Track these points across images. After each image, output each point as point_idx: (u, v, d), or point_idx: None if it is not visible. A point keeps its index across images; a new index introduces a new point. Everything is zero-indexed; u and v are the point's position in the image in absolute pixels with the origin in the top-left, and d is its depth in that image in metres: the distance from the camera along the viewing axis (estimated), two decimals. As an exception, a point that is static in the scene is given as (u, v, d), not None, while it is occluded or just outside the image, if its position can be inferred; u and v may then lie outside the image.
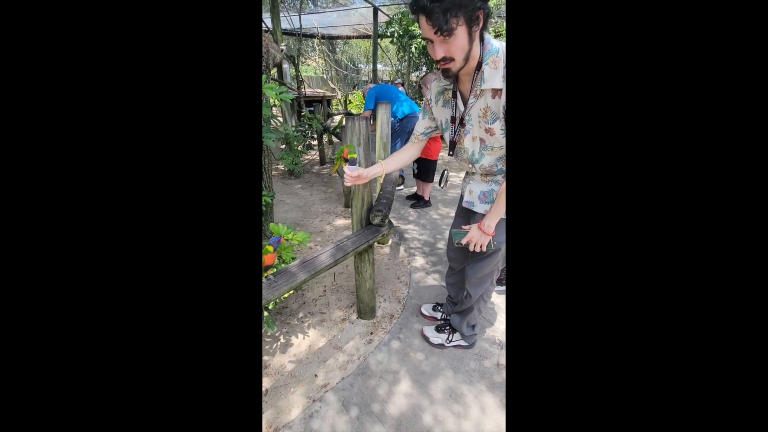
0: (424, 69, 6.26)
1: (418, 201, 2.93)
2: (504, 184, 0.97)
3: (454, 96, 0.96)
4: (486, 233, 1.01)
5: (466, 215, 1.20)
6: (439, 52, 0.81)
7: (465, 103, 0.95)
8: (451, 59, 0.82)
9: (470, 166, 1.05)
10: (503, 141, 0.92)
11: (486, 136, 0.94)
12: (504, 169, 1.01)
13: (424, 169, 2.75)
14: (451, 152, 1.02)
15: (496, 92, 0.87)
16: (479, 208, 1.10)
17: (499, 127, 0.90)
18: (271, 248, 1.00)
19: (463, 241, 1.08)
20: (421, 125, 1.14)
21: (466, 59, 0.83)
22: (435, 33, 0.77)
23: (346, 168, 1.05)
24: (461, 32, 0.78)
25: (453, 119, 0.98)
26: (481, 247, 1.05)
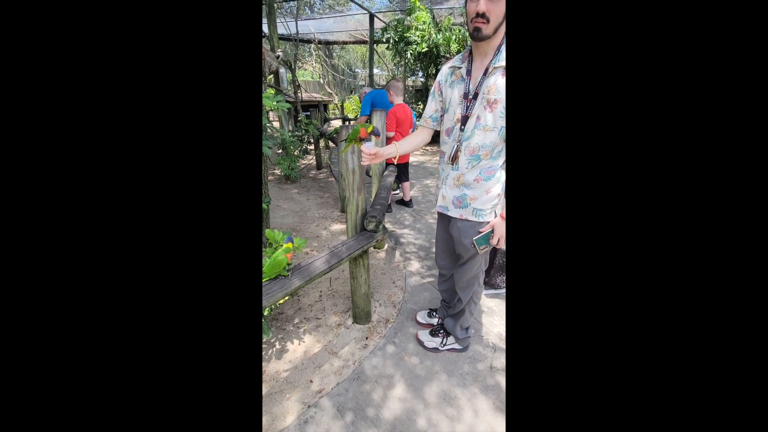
0: (420, 74, 6.31)
1: (403, 204, 3.05)
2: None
3: (468, 74, 1.00)
4: None
5: (446, 221, 1.23)
6: (482, 6, 0.85)
7: (476, 81, 0.99)
8: (487, 20, 0.87)
9: (456, 146, 1.06)
10: (499, 123, 0.95)
11: (484, 113, 0.97)
12: (482, 163, 1.03)
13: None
14: (462, 126, 1.04)
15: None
16: (454, 212, 1.13)
17: (501, 105, 0.93)
18: (290, 245, 1.11)
19: (492, 241, 1.07)
20: (430, 108, 1.17)
21: (497, 29, 0.89)
22: None
23: (364, 146, 1.09)
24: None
25: (466, 95, 1.01)
26: None
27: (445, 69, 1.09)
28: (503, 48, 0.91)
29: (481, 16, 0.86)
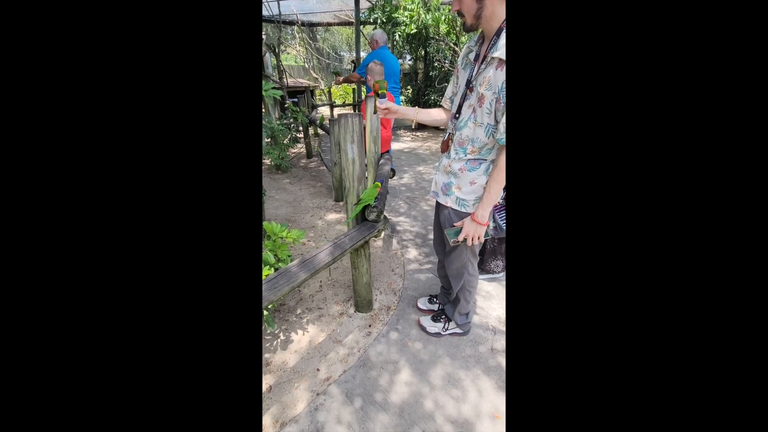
0: (408, 57, 6.17)
1: None
2: (493, 173, 0.96)
3: (476, 59, 0.98)
4: (480, 223, 1.03)
5: (438, 208, 1.24)
6: (454, 5, 0.91)
7: (479, 69, 0.96)
8: (463, 14, 0.91)
9: (450, 133, 1.08)
10: (485, 120, 0.94)
11: (476, 105, 0.96)
12: (468, 157, 1.03)
13: None
14: (457, 114, 1.03)
15: (500, 63, 0.86)
16: (441, 199, 1.15)
17: (487, 101, 0.91)
18: (379, 184, 1.36)
19: (460, 238, 1.08)
20: (449, 90, 1.16)
21: (477, 18, 0.88)
22: None
23: (378, 101, 1.12)
24: None
25: (468, 82, 0.99)
26: (479, 238, 1.06)
27: (464, 50, 1.06)
28: (502, 35, 0.86)
29: (458, 13, 0.92)
